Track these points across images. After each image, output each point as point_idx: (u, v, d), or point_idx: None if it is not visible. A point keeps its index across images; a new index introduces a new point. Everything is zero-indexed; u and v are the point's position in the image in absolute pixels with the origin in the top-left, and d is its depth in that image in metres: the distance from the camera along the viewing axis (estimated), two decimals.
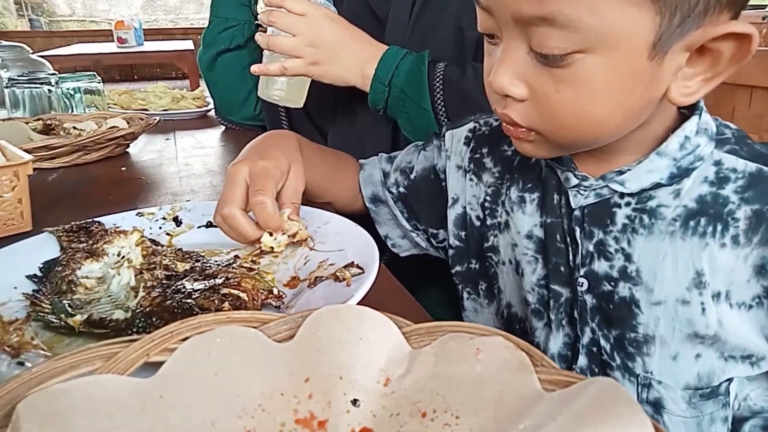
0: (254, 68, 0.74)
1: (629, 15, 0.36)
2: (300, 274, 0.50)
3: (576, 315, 0.51)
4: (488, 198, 0.58)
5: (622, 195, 0.47)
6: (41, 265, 0.50)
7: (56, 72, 1.24)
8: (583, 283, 0.50)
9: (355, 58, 0.73)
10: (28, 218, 0.61)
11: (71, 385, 0.29)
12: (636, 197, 0.47)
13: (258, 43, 0.74)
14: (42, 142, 0.86)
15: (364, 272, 0.46)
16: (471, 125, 0.62)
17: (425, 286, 0.81)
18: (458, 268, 0.62)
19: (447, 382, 0.31)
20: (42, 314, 0.42)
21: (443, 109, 0.72)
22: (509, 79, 0.41)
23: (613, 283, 0.48)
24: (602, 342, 0.50)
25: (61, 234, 0.54)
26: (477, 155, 0.59)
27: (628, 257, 0.48)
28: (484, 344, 0.32)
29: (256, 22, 1.00)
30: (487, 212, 0.58)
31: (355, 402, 0.31)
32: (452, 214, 0.61)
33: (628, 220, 0.47)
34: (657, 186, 0.46)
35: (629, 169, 0.46)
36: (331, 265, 0.49)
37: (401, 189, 0.65)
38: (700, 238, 0.45)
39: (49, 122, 0.98)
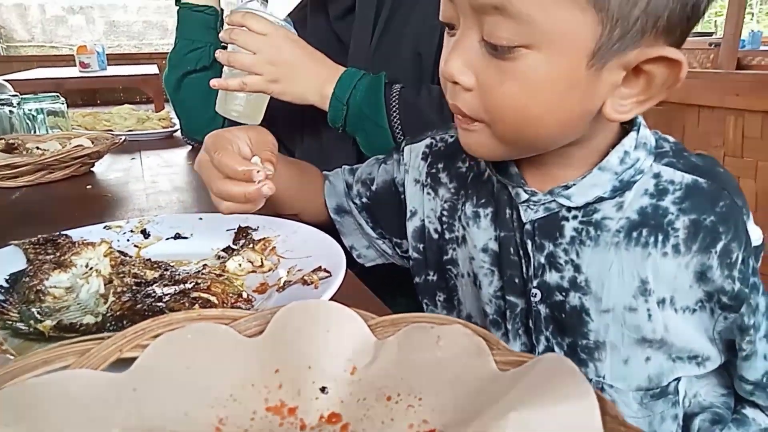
0: (213, 82, 0.76)
1: (575, 18, 0.38)
2: (269, 281, 0.51)
3: (531, 324, 0.53)
4: (445, 212, 0.60)
5: (569, 209, 0.50)
6: (7, 277, 0.50)
7: (18, 93, 1.23)
8: (536, 293, 0.52)
9: (314, 78, 0.76)
10: None
11: (46, 379, 0.30)
12: (582, 210, 0.49)
13: (218, 60, 0.76)
14: (4, 161, 0.85)
15: (331, 275, 0.47)
16: (428, 141, 0.64)
17: (392, 296, 0.83)
18: (417, 279, 0.64)
19: (410, 367, 0.33)
20: (10, 322, 0.42)
21: (399, 127, 0.75)
22: (459, 66, 0.43)
23: (564, 293, 0.51)
24: (556, 349, 0.53)
25: (27, 247, 0.54)
26: (433, 170, 0.62)
27: (577, 268, 0.50)
28: (444, 332, 0.34)
29: (223, 44, 1.02)
30: (444, 226, 0.60)
31: (323, 389, 0.32)
32: (411, 226, 0.63)
33: (575, 232, 0.50)
34: (601, 199, 0.48)
35: (574, 184, 0.48)
36: (299, 270, 0.51)
37: (364, 200, 0.68)
38: (642, 248, 0.47)
39: (11, 142, 0.98)
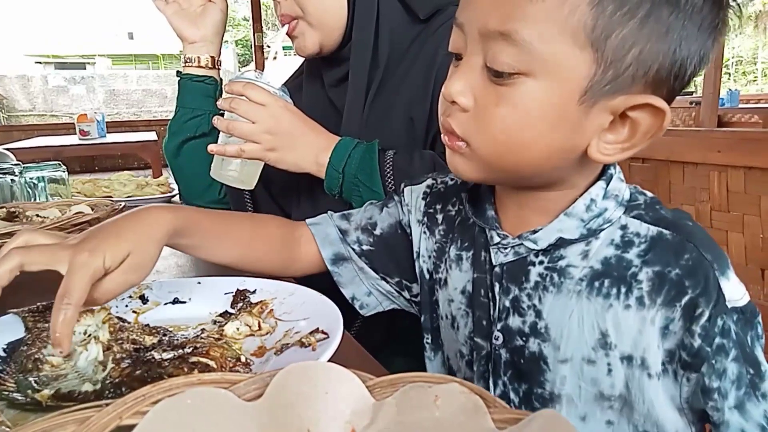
0: (211, 147, 0.79)
1: (573, 54, 0.41)
2: (266, 344, 0.52)
3: (490, 368, 0.53)
4: (434, 253, 0.61)
5: (537, 254, 0.51)
6: (5, 346, 0.50)
7: (20, 162, 1.26)
8: (498, 336, 0.52)
9: (310, 147, 0.79)
10: None
11: None
12: (548, 256, 0.50)
13: (216, 126, 0.79)
14: (4, 229, 0.87)
15: (328, 337, 0.48)
16: (429, 181, 0.65)
17: (389, 355, 0.82)
18: (421, 318, 0.64)
19: (408, 428, 0.33)
20: (6, 392, 0.42)
21: (394, 191, 0.78)
22: (460, 88, 0.46)
23: (524, 338, 0.51)
24: (512, 395, 0.52)
25: (26, 315, 0.55)
26: (431, 210, 0.63)
27: (538, 314, 0.50)
28: (442, 391, 0.34)
29: (221, 111, 1.06)
30: (433, 267, 0.61)
31: None
32: (417, 267, 0.63)
33: (540, 278, 0.50)
34: (566, 245, 0.49)
35: (542, 229, 0.50)
36: (296, 333, 0.51)
37: (365, 247, 0.66)
38: (604, 299, 0.47)
39: (12, 210, 0.99)
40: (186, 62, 1.02)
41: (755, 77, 19.04)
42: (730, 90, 6.84)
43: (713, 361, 0.44)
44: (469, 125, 0.46)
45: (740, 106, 6.26)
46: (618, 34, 0.41)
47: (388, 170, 0.79)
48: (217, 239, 0.62)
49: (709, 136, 1.83)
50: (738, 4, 0.43)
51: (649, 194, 0.52)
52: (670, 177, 1.94)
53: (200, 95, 1.03)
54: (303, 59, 1.02)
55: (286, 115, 0.78)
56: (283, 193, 1.00)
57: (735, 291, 0.45)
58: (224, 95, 0.81)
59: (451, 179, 0.64)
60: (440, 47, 0.85)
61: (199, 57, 1.01)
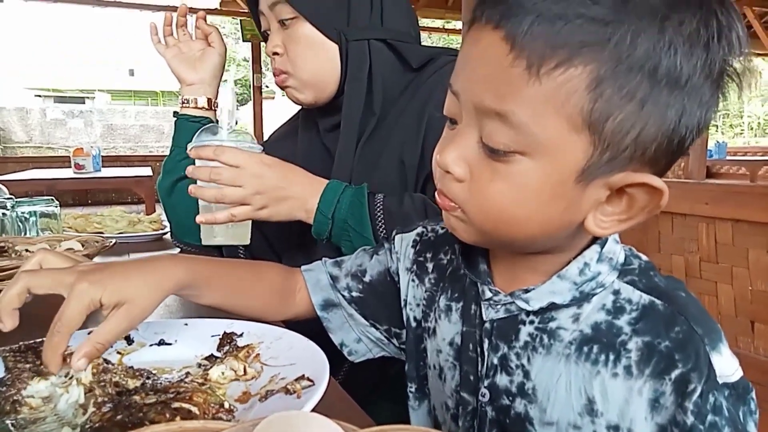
0: (200, 218, 0.78)
1: (569, 137, 0.41)
2: (251, 389, 0.51)
3: (476, 424, 0.52)
4: (424, 302, 0.61)
5: (528, 313, 0.50)
6: None
7: (12, 196, 1.26)
8: (485, 393, 0.52)
9: (298, 196, 0.80)
10: None
11: None
12: (540, 317, 0.50)
13: (199, 197, 0.78)
14: None
15: (314, 384, 0.47)
16: (419, 230, 0.66)
17: (375, 402, 0.81)
18: (406, 366, 0.64)
19: None
20: None
21: (384, 236, 0.78)
22: (454, 158, 0.45)
23: (511, 398, 0.50)
24: None
25: (7, 354, 0.54)
26: (421, 258, 0.63)
27: (526, 374, 0.49)
28: None
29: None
30: (422, 315, 0.61)
31: None
32: (404, 315, 0.63)
33: (530, 337, 0.50)
34: (558, 307, 0.49)
35: (534, 288, 0.49)
36: (282, 379, 0.51)
37: (354, 293, 0.67)
38: (592, 365, 0.46)
39: (1, 244, 0.99)
40: (183, 103, 1.04)
41: (742, 130, 19.55)
42: (717, 142, 7.02)
43: None
44: (464, 195, 0.46)
45: (728, 158, 6.40)
46: (616, 118, 0.40)
47: (378, 214, 0.79)
48: (221, 289, 0.63)
49: (698, 188, 1.87)
50: (738, 76, 0.42)
51: (644, 258, 0.51)
52: (659, 227, 1.96)
53: (194, 134, 1.04)
54: (289, 104, 1.04)
55: (267, 171, 0.78)
56: (277, 236, 1.00)
57: (727, 366, 0.44)
58: (197, 163, 0.80)
59: (442, 227, 0.64)
60: (432, 93, 0.87)
61: (196, 99, 1.03)
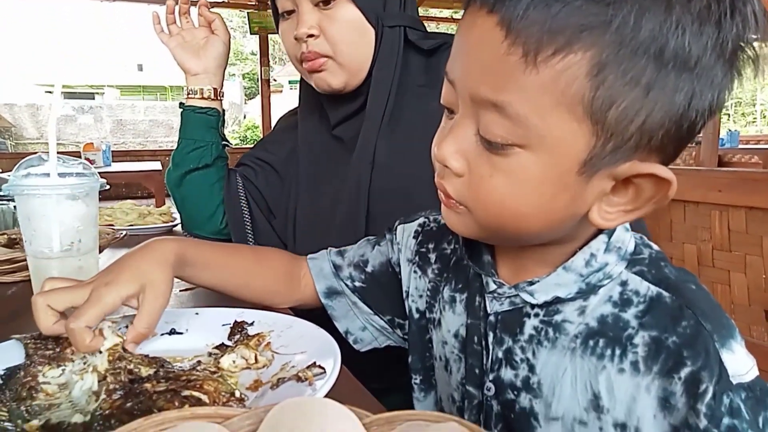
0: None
1: (570, 127, 0.39)
2: (262, 377, 0.51)
3: (482, 419, 0.52)
4: (428, 293, 0.60)
5: (532, 306, 0.49)
6: (3, 372, 0.50)
7: None
8: (490, 387, 0.51)
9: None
10: None
11: None
12: (545, 309, 0.48)
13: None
14: (4, 256, 0.87)
15: (325, 372, 0.47)
16: (421, 220, 0.65)
17: (385, 390, 0.81)
18: (409, 358, 0.63)
19: None
20: None
21: None
22: (452, 152, 0.43)
23: (515, 392, 0.49)
24: None
25: (28, 341, 0.54)
26: (423, 249, 0.62)
27: (531, 368, 0.48)
28: (440, 430, 0.34)
29: (224, 142, 1.07)
30: (426, 306, 0.60)
31: None
32: (406, 306, 0.63)
33: (535, 331, 0.48)
34: (563, 300, 0.47)
35: (538, 281, 0.48)
36: (293, 367, 0.51)
37: (357, 283, 0.66)
38: (598, 359, 0.45)
39: (13, 237, 0.99)
40: (189, 94, 1.04)
41: (754, 118, 19.28)
42: (729, 130, 6.92)
43: None
44: (463, 190, 0.45)
45: (740, 146, 6.31)
46: (619, 105, 0.37)
47: None
48: (221, 267, 0.64)
49: (710, 175, 1.84)
50: (754, 58, 0.39)
51: (656, 248, 0.49)
52: (671, 216, 1.94)
53: (203, 126, 1.04)
54: (297, 97, 1.03)
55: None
56: (283, 227, 1.00)
57: (740, 364, 0.42)
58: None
59: None
60: None
61: (201, 89, 1.02)
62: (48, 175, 0.71)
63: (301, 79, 0.98)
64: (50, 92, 0.78)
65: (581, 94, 0.37)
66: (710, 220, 1.79)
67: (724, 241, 1.75)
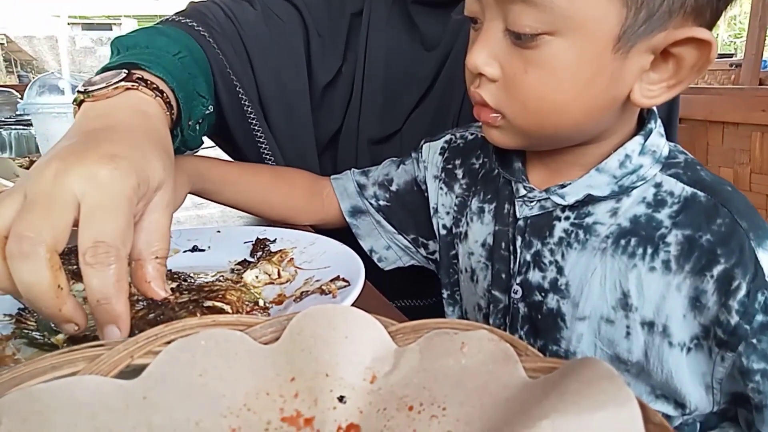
0: None
1: (598, 3, 0.38)
2: (286, 292, 0.50)
3: (508, 321, 0.52)
4: (455, 208, 0.59)
5: (563, 209, 0.48)
6: None
7: None
8: (517, 290, 0.51)
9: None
10: None
11: (53, 385, 0.28)
12: (575, 212, 0.48)
13: None
14: None
15: (349, 284, 0.46)
16: (447, 137, 0.64)
17: (409, 311, 0.81)
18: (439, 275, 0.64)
19: (433, 376, 0.31)
20: (26, 331, 0.42)
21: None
22: (484, 58, 0.42)
23: (543, 294, 0.49)
24: None
25: None
26: (450, 165, 0.61)
27: (560, 270, 0.48)
28: (469, 338, 0.32)
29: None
30: (453, 222, 0.59)
31: (341, 399, 0.31)
32: (435, 223, 0.62)
33: (564, 233, 0.48)
34: (595, 201, 0.46)
35: (570, 183, 0.47)
36: (317, 281, 0.50)
37: (382, 202, 0.66)
38: (629, 258, 0.45)
39: (34, 160, 0.99)
40: None
41: None
42: None
43: (754, 341, 0.40)
44: (500, 95, 0.43)
45: None
46: None
47: None
48: (240, 183, 0.63)
49: (753, 94, 1.74)
50: None
51: (690, 156, 0.48)
52: (708, 138, 1.85)
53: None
54: None
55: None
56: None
57: None
58: None
59: (471, 133, 0.62)
60: None
61: None
62: (63, 92, 0.69)
63: None
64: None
65: None
66: (750, 141, 1.70)
67: (764, 164, 1.67)
